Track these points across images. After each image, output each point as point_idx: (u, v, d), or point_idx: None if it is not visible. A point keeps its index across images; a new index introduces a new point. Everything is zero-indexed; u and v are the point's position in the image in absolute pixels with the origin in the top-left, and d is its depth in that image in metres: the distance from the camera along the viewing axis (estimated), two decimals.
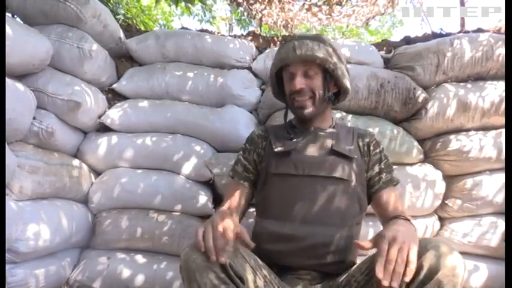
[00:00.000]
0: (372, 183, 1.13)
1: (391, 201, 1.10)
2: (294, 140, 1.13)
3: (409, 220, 0.92)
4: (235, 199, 1.13)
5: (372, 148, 1.16)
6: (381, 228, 1.08)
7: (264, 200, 1.11)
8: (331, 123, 1.22)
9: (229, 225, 0.83)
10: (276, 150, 1.11)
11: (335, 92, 1.19)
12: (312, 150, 1.11)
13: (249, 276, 0.84)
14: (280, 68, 1.17)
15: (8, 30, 1.27)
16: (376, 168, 1.14)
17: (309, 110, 1.12)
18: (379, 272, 0.73)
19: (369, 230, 1.56)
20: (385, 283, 0.72)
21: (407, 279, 0.72)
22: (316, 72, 1.11)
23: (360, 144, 1.16)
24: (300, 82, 1.10)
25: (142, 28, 3.59)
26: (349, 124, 1.61)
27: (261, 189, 1.13)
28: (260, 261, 0.93)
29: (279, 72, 1.20)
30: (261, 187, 1.14)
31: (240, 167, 1.19)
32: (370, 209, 1.16)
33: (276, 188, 1.08)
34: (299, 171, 1.07)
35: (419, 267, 0.75)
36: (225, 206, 1.09)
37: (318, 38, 1.13)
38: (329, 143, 1.12)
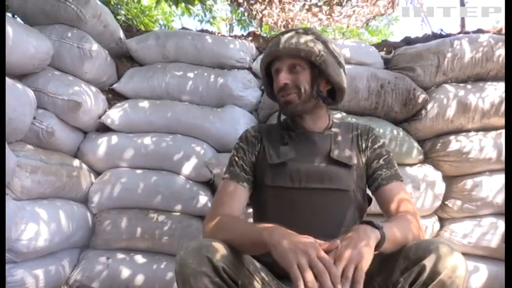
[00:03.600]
0: (371, 180, 1.06)
1: (394, 198, 1.00)
2: (288, 147, 1.06)
3: (377, 228, 0.79)
4: (235, 204, 1.02)
5: (370, 144, 1.09)
6: None
7: (261, 212, 1.06)
8: (327, 123, 1.12)
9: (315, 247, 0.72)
10: (270, 162, 1.04)
11: (329, 89, 1.10)
12: (308, 159, 1.04)
13: (245, 280, 0.81)
14: (270, 66, 1.10)
15: (9, 30, 1.27)
16: (375, 165, 1.06)
17: (295, 105, 1.05)
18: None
19: None
20: None
21: None
22: (303, 67, 1.04)
23: (359, 142, 1.10)
24: (284, 77, 1.03)
25: (143, 28, 3.59)
26: None
27: (257, 199, 1.08)
28: (258, 264, 0.90)
29: (269, 72, 1.13)
30: (256, 196, 1.08)
31: (237, 168, 1.08)
32: (369, 210, 1.15)
33: (272, 201, 1.03)
34: (295, 184, 1.01)
35: (421, 269, 0.74)
36: (227, 210, 0.99)
37: (305, 31, 1.05)
38: (326, 149, 1.05)
